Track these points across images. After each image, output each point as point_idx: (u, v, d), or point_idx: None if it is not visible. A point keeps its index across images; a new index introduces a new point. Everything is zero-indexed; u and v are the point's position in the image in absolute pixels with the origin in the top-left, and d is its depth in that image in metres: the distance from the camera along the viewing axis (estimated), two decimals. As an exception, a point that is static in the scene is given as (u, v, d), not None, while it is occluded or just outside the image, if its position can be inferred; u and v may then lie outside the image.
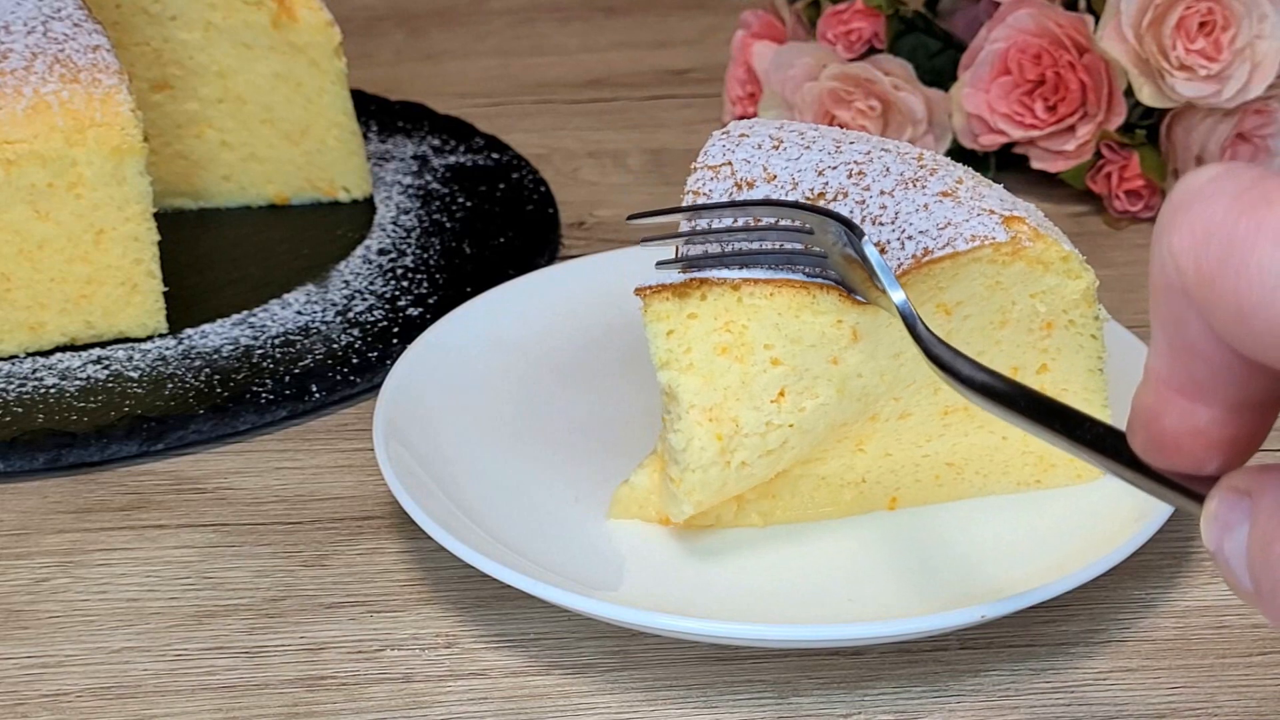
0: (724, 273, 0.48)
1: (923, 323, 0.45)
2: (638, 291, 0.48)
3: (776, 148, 0.51)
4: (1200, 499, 0.33)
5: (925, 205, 0.49)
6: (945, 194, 0.50)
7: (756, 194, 0.50)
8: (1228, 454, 0.33)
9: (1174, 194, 0.31)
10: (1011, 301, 0.50)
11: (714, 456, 0.49)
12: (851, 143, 0.52)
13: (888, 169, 0.50)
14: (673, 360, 0.48)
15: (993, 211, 0.49)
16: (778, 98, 0.74)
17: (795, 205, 0.48)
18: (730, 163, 0.51)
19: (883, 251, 0.48)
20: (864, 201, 0.50)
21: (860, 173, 0.50)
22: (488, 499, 0.52)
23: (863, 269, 0.47)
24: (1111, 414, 0.53)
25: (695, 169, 0.51)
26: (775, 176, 0.50)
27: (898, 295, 0.46)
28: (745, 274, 0.48)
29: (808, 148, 0.51)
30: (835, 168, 0.51)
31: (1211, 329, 0.31)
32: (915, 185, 0.50)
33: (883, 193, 0.50)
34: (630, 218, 0.50)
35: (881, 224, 0.49)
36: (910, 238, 0.49)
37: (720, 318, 0.48)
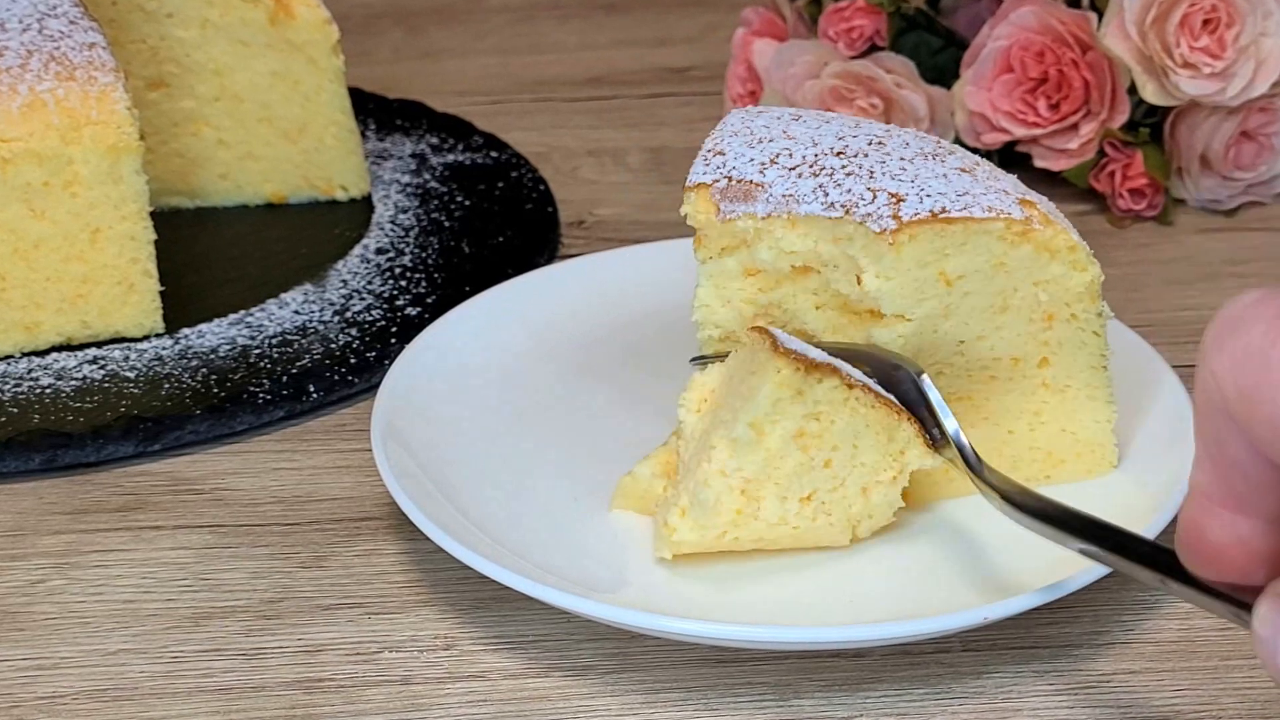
0: (849, 369, 0.48)
1: (977, 455, 0.48)
2: (781, 353, 0.47)
3: (796, 120, 0.52)
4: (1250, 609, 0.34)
5: (944, 175, 0.50)
6: (964, 170, 0.50)
7: (771, 148, 0.51)
8: (1272, 565, 0.35)
9: (1217, 319, 0.33)
10: (1013, 287, 0.50)
11: (723, 523, 0.49)
12: (870, 124, 0.53)
13: (907, 144, 0.51)
14: (762, 426, 0.48)
15: (1008, 193, 0.50)
16: (779, 96, 0.73)
17: (860, 346, 0.50)
18: (750, 128, 0.52)
19: (900, 201, 0.49)
20: (884, 161, 0.50)
21: (880, 143, 0.51)
22: (486, 500, 0.52)
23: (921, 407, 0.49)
24: (1116, 409, 0.53)
25: (714, 132, 0.52)
26: (794, 138, 0.51)
27: (950, 423, 0.48)
28: (863, 378, 0.48)
29: (827, 122, 0.52)
30: (856, 136, 0.51)
31: (1252, 445, 0.33)
32: (935, 159, 0.51)
33: (902, 159, 0.50)
34: (694, 360, 0.52)
35: (900, 180, 0.50)
36: (929, 195, 0.49)
37: (820, 404, 0.48)
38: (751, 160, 0.51)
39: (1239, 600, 0.35)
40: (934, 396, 0.48)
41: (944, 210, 0.49)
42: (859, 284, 0.50)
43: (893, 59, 0.72)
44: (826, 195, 0.49)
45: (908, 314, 0.50)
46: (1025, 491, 0.46)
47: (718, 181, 0.50)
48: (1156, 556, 0.40)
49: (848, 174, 0.50)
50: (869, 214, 0.49)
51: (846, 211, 0.49)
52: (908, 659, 0.49)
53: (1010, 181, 0.52)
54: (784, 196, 0.50)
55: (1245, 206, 0.72)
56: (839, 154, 0.51)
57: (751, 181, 0.50)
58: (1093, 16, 0.69)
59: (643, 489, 0.52)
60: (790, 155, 0.51)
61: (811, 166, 0.50)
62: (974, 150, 0.72)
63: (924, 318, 0.50)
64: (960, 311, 0.50)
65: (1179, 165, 0.71)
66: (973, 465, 0.48)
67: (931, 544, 0.51)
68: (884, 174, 0.50)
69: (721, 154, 0.51)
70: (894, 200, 0.49)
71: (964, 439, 0.48)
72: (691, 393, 0.50)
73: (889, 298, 0.50)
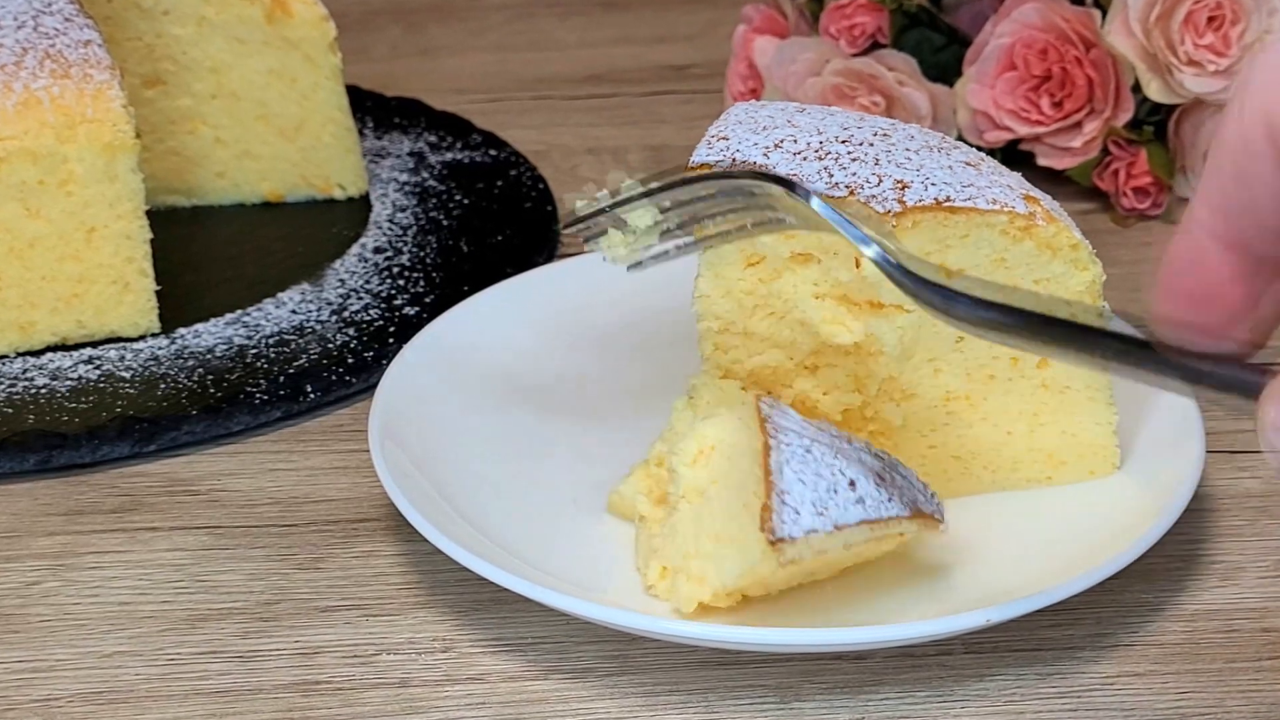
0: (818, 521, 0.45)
1: (908, 263, 0.42)
2: (771, 540, 0.44)
3: (800, 112, 0.52)
4: (1236, 384, 0.32)
5: (949, 167, 0.50)
6: (969, 164, 0.50)
7: (776, 135, 0.50)
8: (1253, 320, 0.32)
9: (1262, 53, 0.31)
10: (1013, 285, 0.50)
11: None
12: (875, 118, 0.53)
13: (912, 137, 0.51)
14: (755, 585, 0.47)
15: (1012, 188, 0.50)
16: (780, 93, 0.73)
17: (732, 174, 0.46)
18: (754, 118, 0.52)
19: (905, 187, 0.49)
20: (890, 151, 0.50)
21: (885, 135, 0.51)
22: (485, 501, 0.52)
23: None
24: (1117, 412, 0.52)
25: (718, 121, 0.52)
26: (799, 127, 0.51)
27: (870, 250, 0.43)
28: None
29: (832, 115, 0.52)
30: (861, 128, 0.51)
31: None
32: (940, 152, 0.51)
33: (908, 150, 0.50)
34: (567, 225, 0.48)
35: (905, 168, 0.49)
36: (933, 184, 0.49)
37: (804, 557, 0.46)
38: (756, 145, 0.50)
39: (1230, 375, 0.33)
40: (830, 216, 0.44)
41: (948, 199, 0.49)
42: (857, 266, 0.49)
43: (895, 56, 0.71)
44: (831, 177, 0.49)
45: (906, 305, 0.49)
46: (972, 299, 0.40)
47: (720, 162, 0.50)
48: (1129, 344, 0.36)
49: (853, 159, 0.50)
50: (874, 195, 0.49)
51: (851, 192, 0.49)
52: (910, 661, 0.48)
53: (1014, 178, 0.51)
54: (788, 176, 0.49)
55: (1250, 205, 0.72)
56: (844, 142, 0.50)
57: (755, 163, 0.50)
58: (1096, 14, 0.69)
59: (630, 505, 0.51)
60: (795, 141, 0.50)
61: (816, 151, 0.50)
62: (977, 148, 0.72)
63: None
64: None
65: (1183, 164, 0.71)
66: (898, 280, 0.42)
67: (934, 546, 0.50)
68: (889, 162, 0.50)
69: (725, 139, 0.51)
70: (899, 186, 0.49)
71: (885, 255, 0.43)
72: (689, 444, 0.48)
73: (888, 284, 0.49)
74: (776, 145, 0.50)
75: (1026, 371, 0.52)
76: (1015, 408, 0.52)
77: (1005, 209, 0.49)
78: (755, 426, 0.46)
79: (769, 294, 0.51)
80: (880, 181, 0.49)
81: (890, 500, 0.46)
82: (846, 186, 0.49)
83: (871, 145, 0.50)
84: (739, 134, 0.51)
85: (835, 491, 0.45)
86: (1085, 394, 0.52)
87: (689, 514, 0.48)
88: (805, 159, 0.50)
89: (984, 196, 0.49)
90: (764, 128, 0.51)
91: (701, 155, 0.51)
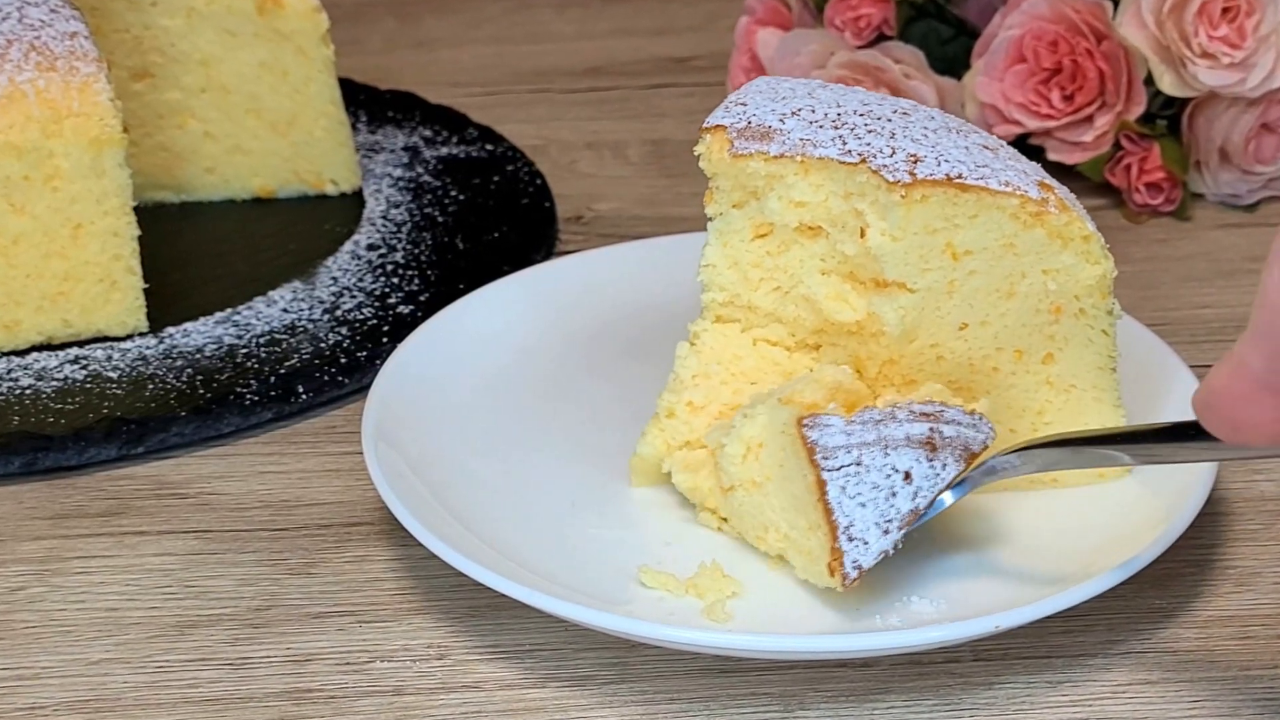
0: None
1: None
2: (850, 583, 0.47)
3: (822, 88, 0.52)
4: None
5: (966, 148, 0.50)
6: (986, 148, 0.50)
7: (794, 104, 0.51)
8: None
9: None
10: (1021, 273, 0.50)
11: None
12: (897, 99, 0.53)
13: (932, 117, 0.51)
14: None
15: (1027, 174, 0.50)
16: (782, 86, 0.72)
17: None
18: (775, 89, 0.52)
19: (918, 161, 0.49)
20: (907, 128, 0.50)
21: (905, 114, 0.51)
22: (481, 504, 0.52)
23: None
24: (1125, 414, 0.52)
25: (739, 90, 0.52)
26: (818, 99, 0.51)
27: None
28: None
29: (854, 92, 0.53)
30: (881, 105, 0.51)
31: None
32: (958, 134, 0.51)
33: (925, 129, 0.50)
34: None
35: (921, 144, 0.49)
36: (947, 161, 0.49)
37: None
38: (773, 111, 0.51)
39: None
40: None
41: (960, 176, 0.49)
42: (863, 237, 0.49)
43: (901, 49, 0.71)
44: (845, 144, 0.50)
45: (910, 284, 0.50)
46: (1019, 450, 0.47)
47: (736, 123, 0.51)
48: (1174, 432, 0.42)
49: (869, 130, 0.50)
50: (885, 165, 0.49)
51: (862, 160, 0.49)
52: (917, 669, 0.48)
53: (1031, 166, 0.51)
54: (801, 140, 0.50)
55: (1265, 201, 0.71)
56: (862, 115, 0.51)
57: (770, 126, 0.50)
58: (1108, 5, 0.69)
59: (651, 467, 0.52)
60: (813, 111, 0.51)
61: (833, 121, 0.50)
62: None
63: (927, 291, 0.50)
64: (964, 290, 0.50)
65: (1197, 158, 0.70)
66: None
67: (940, 551, 0.50)
68: (905, 137, 0.50)
69: (743, 105, 0.51)
70: (912, 159, 0.49)
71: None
72: (735, 446, 0.49)
73: (892, 259, 0.49)
74: (794, 113, 0.51)
75: (1031, 367, 0.51)
76: (1019, 404, 0.52)
77: (1017, 192, 0.49)
78: (801, 452, 0.47)
79: (775, 267, 0.51)
80: (894, 153, 0.49)
81: (945, 468, 0.47)
82: (859, 154, 0.49)
83: (889, 120, 0.50)
84: (757, 101, 0.51)
85: (894, 494, 0.46)
86: (1091, 394, 0.52)
87: (749, 502, 0.50)
88: (821, 127, 0.50)
89: (997, 178, 0.49)
90: (783, 98, 0.52)
91: (717, 117, 0.51)
